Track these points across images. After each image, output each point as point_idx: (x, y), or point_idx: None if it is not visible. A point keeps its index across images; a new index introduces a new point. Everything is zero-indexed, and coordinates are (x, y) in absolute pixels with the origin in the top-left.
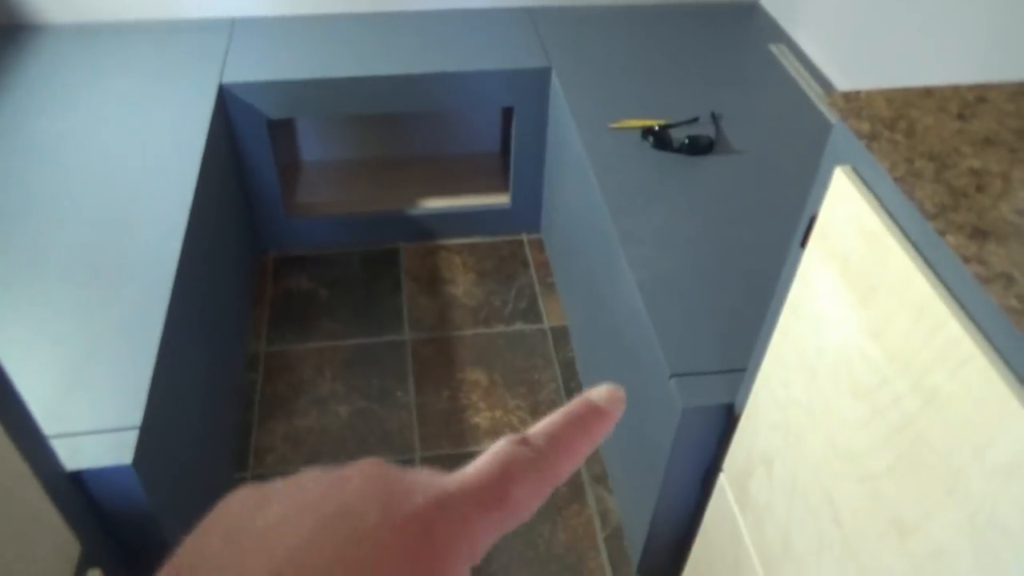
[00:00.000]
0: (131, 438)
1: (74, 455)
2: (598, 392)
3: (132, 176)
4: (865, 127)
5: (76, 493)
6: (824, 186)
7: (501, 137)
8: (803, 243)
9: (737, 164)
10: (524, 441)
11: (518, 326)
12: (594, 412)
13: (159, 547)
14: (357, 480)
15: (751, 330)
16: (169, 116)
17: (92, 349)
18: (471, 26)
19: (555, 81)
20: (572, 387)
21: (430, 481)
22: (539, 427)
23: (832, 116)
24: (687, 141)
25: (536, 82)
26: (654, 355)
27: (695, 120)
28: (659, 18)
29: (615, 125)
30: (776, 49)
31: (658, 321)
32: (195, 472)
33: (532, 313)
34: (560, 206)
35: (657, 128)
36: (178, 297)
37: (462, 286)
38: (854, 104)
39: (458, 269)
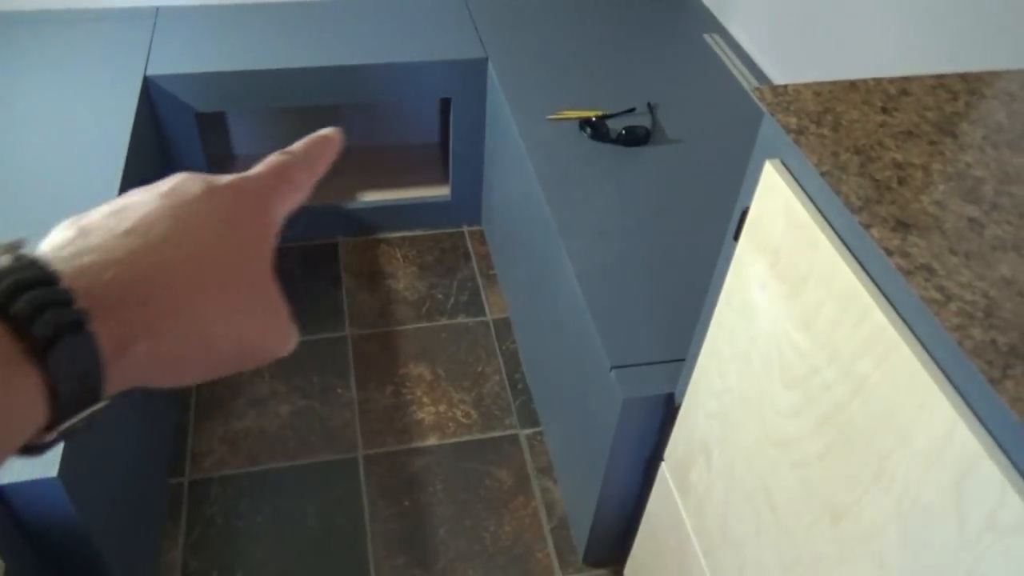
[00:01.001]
0: (56, 449)
1: None
2: (326, 130)
3: (50, 175)
4: (793, 121)
5: None
6: (755, 179)
7: (440, 128)
8: (736, 236)
9: (673, 155)
10: (287, 152)
11: (461, 319)
12: (327, 138)
13: (90, 561)
14: (184, 175)
15: (690, 320)
16: (91, 110)
17: None
18: (406, 14)
19: (492, 72)
20: (516, 378)
21: (236, 175)
22: (295, 145)
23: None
24: (624, 132)
25: (473, 73)
26: (594, 347)
27: (632, 111)
28: (594, 6)
29: (553, 116)
30: (710, 39)
31: (598, 313)
32: (128, 480)
33: (474, 306)
34: (500, 197)
35: (594, 119)
36: None
37: (403, 280)
38: (782, 98)
39: (399, 263)
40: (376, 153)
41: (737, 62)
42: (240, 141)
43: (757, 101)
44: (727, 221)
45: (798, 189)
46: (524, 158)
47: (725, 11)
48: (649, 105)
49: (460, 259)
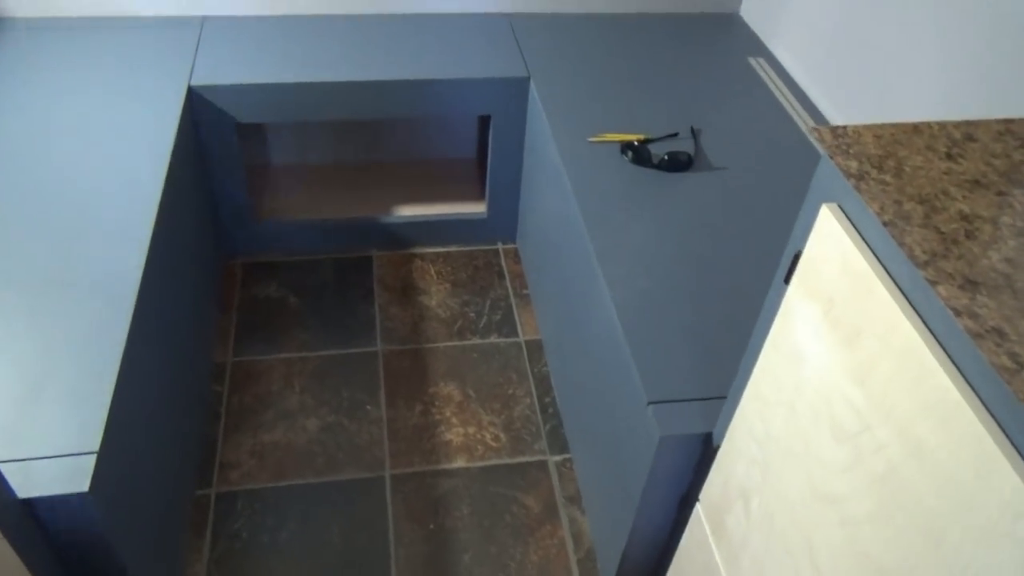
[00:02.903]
0: (88, 464)
1: (26, 482)
2: None
3: (95, 180)
4: (853, 166)
5: (28, 522)
6: (809, 222)
7: (477, 144)
8: (787, 279)
9: (716, 182)
10: None
11: (493, 339)
12: None
13: (114, 575)
14: None
15: (731, 356)
16: (135, 118)
17: (49, 366)
18: (450, 31)
19: (534, 90)
20: (547, 402)
21: None
22: None
23: (818, 147)
24: (666, 157)
25: (515, 91)
26: (631, 380)
27: (675, 135)
28: (639, 28)
29: (594, 139)
30: (755, 63)
31: (636, 345)
32: (155, 491)
33: (507, 326)
34: (536, 217)
35: (636, 143)
36: (141, 309)
37: (436, 296)
38: (842, 140)
39: (432, 279)
40: (412, 167)
41: (782, 86)
42: (278, 151)
43: (815, 142)
44: (771, 255)
45: (857, 237)
46: (563, 179)
47: (770, 34)
48: (692, 130)
49: (494, 277)
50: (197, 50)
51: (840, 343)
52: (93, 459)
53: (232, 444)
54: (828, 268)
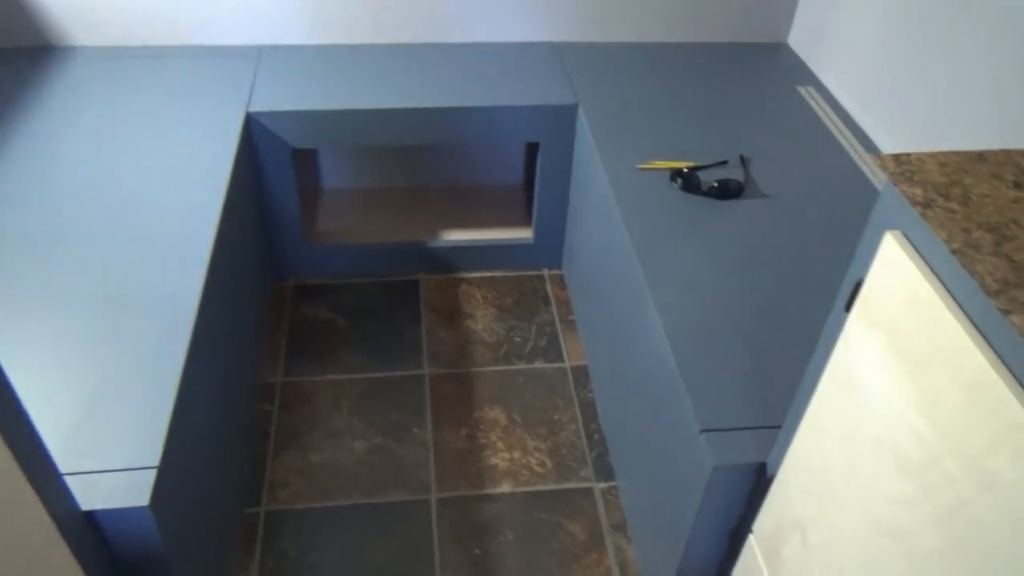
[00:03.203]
0: (148, 478)
1: (89, 494)
2: None
3: (156, 204)
4: (918, 193)
5: (89, 533)
6: (871, 250)
7: (525, 170)
8: (847, 307)
9: (766, 209)
10: None
11: (538, 364)
12: None
13: None
14: None
15: (784, 385)
16: (195, 144)
17: (112, 383)
18: (499, 60)
19: (582, 117)
20: (592, 429)
21: None
22: None
23: (874, 175)
24: (716, 185)
25: (563, 118)
26: (682, 407)
27: (724, 163)
28: (687, 56)
29: (643, 166)
30: (804, 91)
31: (687, 371)
32: (209, 508)
33: (552, 351)
34: (583, 244)
35: (685, 170)
36: (200, 329)
37: (482, 321)
38: (905, 168)
39: (478, 303)
40: (461, 193)
41: (832, 114)
42: (329, 176)
43: (879, 170)
44: (823, 282)
45: (923, 265)
46: (612, 206)
47: (818, 62)
48: (742, 158)
49: (539, 303)
50: (255, 78)
51: (905, 374)
52: (153, 474)
53: (280, 463)
54: (892, 297)
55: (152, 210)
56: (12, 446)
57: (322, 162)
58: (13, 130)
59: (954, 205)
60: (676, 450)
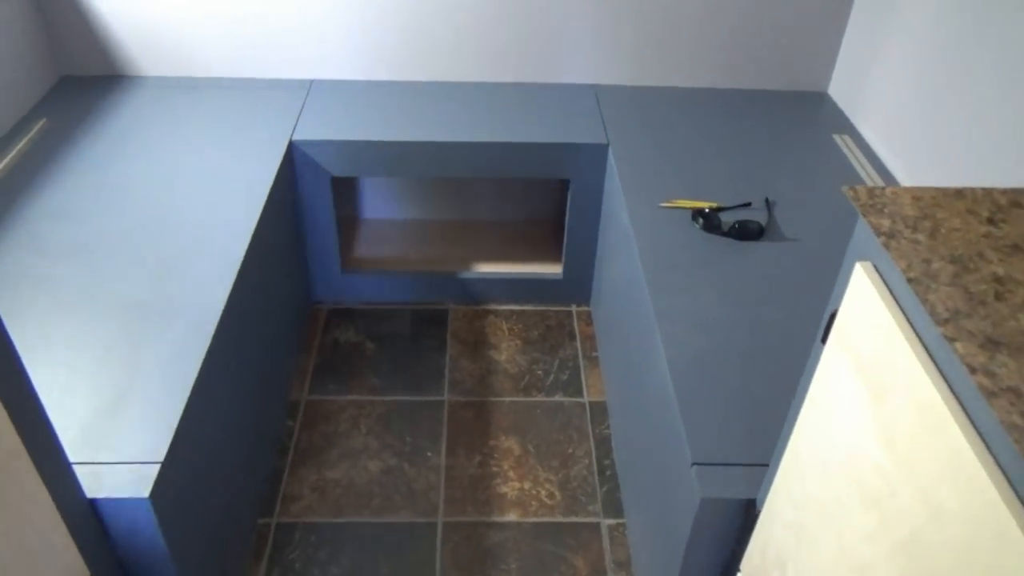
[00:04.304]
0: (151, 472)
1: (94, 484)
2: None
3: (194, 221)
4: (885, 224)
5: (91, 521)
6: (845, 281)
7: (556, 206)
8: (824, 338)
9: (785, 252)
10: None
11: (558, 397)
12: None
13: None
14: None
15: (780, 425)
16: (239, 167)
17: (131, 382)
18: (537, 98)
19: (612, 157)
20: (605, 464)
21: None
22: None
23: (849, 197)
24: (736, 225)
25: (594, 157)
26: (678, 439)
27: (747, 205)
28: (724, 102)
29: (666, 204)
30: (840, 140)
31: (685, 403)
32: (219, 513)
33: (573, 385)
34: (609, 281)
35: (708, 210)
36: (220, 340)
37: (506, 352)
38: (878, 200)
39: (504, 334)
40: (494, 226)
41: (866, 164)
42: (368, 205)
43: (851, 200)
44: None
45: (887, 294)
46: (631, 242)
47: (858, 113)
48: (766, 201)
49: (565, 338)
50: (302, 109)
51: (870, 400)
52: (157, 468)
53: (297, 478)
54: (860, 325)
55: (188, 228)
56: (23, 434)
57: (362, 192)
58: (80, 152)
59: (920, 236)
60: (671, 483)
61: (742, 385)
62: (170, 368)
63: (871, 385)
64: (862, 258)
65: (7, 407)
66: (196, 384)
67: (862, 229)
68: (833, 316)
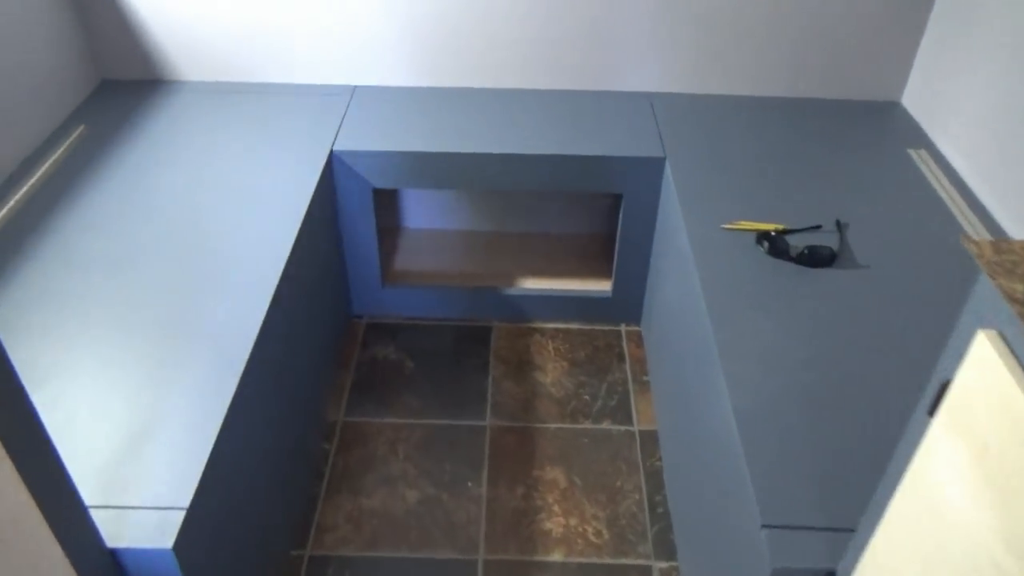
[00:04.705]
0: (176, 519)
1: (116, 531)
2: None
3: (231, 234)
4: (1019, 289)
5: (111, 571)
6: (961, 348)
7: (607, 221)
8: (931, 411)
9: (860, 281)
10: None
11: (605, 425)
12: None
13: None
14: None
15: (861, 483)
16: (279, 177)
17: (158, 412)
18: (590, 108)
19: (669, 172)
20: (657, 500)
21: None
22: None
23: (970, 251)
24: (806, 251)
25: (649, 171)
26: (746, 497)
27: (818, 228)
28: (788, 112)
29: (728, 226)
30: (916, 155)
31: (754, 457)
32: (247, 549)
33: (622, 412)
34: (662, 302)
35: (774, 233)
36: (255, 363)
37: (551, 374)
38: (1006, 257)
39: (549, 355)
40: (541, 239)
41: (946, 183)
42: (411, 214)
43: (972, 254)
44: (917, 372)
45: (1019, 372)
46: (691, 266)
47: (935, 126)
48: (838, 223)
49: (613, 360)
50: (344, 117)
51: (995, 500)
52: (182, 515)
53: (331, 506)
54: (984, 407)
55: (225, 241)
56: (31, 484)
57: (404, 200)
58: (117, 160)
59: None
60: (736, 542)
61: (817, 436)
62: (200, 397)
63: (996, 480)
64: (985, 325)
65: (12, 454)
66: (228, 415)
67: (986, 291)
68: (944, 387)
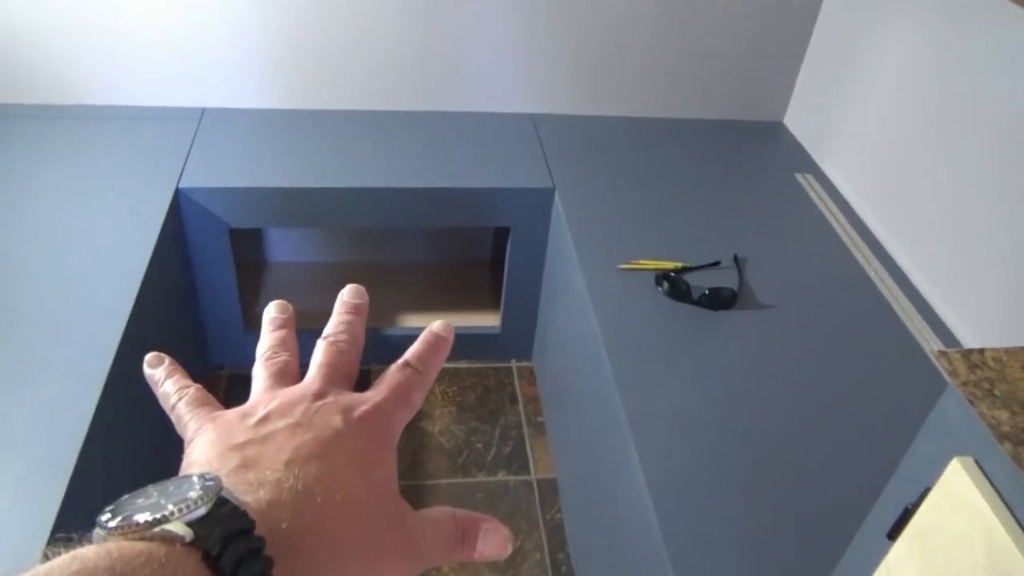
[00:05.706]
0: None
1: None
2: (438, 324)
3: (69, 279)
4: (1003, 418)
5: None
6: (924, 471)
7: (492, 247)
8: (891, 535)
9: (764, 321)
10: (407, 364)
11: (501, 476)
12: (440, 340)
13: None
14: (323, 404)
15: (787, 557)
16: (118, 217)
17: None
18: (469, 132)
19: (559, 204)
20: (560, 559)
21: (363, 397)
22: (411, 353)
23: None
24: (707, 293)
25: (538, 203)
26: (662, 573)
27: (716, 264)
28: (674, 134)
29: (625, 266)
30: (803, 179)
31: (671, 534)
32: None
33: (518, 460)
34: (557, 339)
35: (673, 273)
36: (90, 460)
37: (439, 422)
38: (981, 375)
39: (436, 399)
40: (421, 271)
41: (834, 208)
42: (275, 248)
43: (943, 372)
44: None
45: (1005, 513)
46: (590, 313)
47: (818, 148)
48: (736, 259)
49: (506, 400)
50: (192, 145)
51: None
52: None
53: None
54: (957, 537)
55: (44, 307)
56: None
57: (268, 232)
58: None
59: None
60: None
61: (739, 510)
62: (33, 477)
63: None
64: (958, 451)
65: None
66: (66, 495)
67: (961, 416)
68: (907, 513)
